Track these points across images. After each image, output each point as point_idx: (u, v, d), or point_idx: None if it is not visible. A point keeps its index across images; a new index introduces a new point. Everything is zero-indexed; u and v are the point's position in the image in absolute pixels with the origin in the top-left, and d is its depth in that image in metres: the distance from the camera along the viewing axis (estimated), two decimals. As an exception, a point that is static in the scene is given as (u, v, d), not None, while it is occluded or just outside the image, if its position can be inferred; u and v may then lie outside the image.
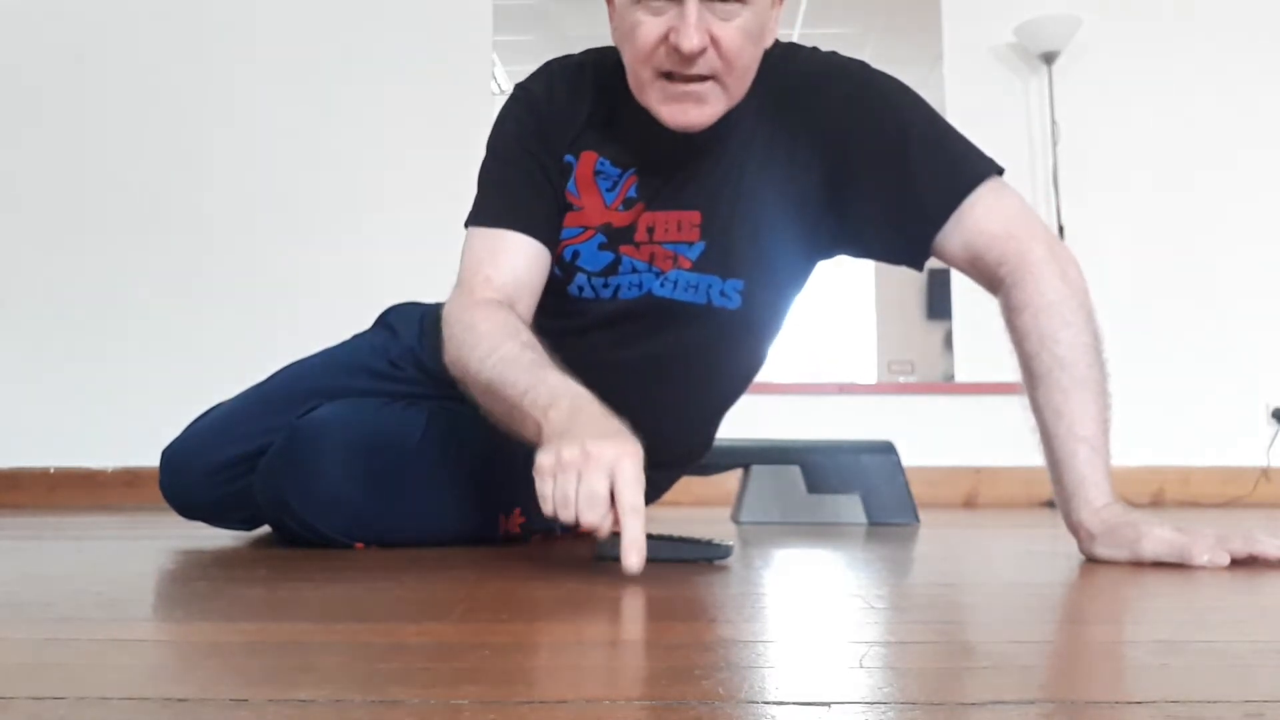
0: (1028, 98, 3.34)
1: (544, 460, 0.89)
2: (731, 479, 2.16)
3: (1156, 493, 3.04)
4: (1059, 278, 1.13)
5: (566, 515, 0.87)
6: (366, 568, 1.02)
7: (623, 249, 1.21)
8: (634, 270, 1.22)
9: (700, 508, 2.65)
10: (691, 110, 1.10)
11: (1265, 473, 3.14)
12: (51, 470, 3.10)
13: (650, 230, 1.21)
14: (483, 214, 1.22)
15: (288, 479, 1.24)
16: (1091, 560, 1.06)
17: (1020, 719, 0.40)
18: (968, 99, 3.29)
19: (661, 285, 1.22)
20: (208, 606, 0.76)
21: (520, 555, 1.15)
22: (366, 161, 3.24)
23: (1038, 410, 1.12)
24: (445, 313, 1.16)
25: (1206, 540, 0.99)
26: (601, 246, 1.22)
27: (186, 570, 1.05)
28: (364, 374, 1.40)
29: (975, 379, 3.21)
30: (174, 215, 3.23)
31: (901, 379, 3.48)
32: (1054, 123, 3.25)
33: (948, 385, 3.26)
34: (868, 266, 3.93)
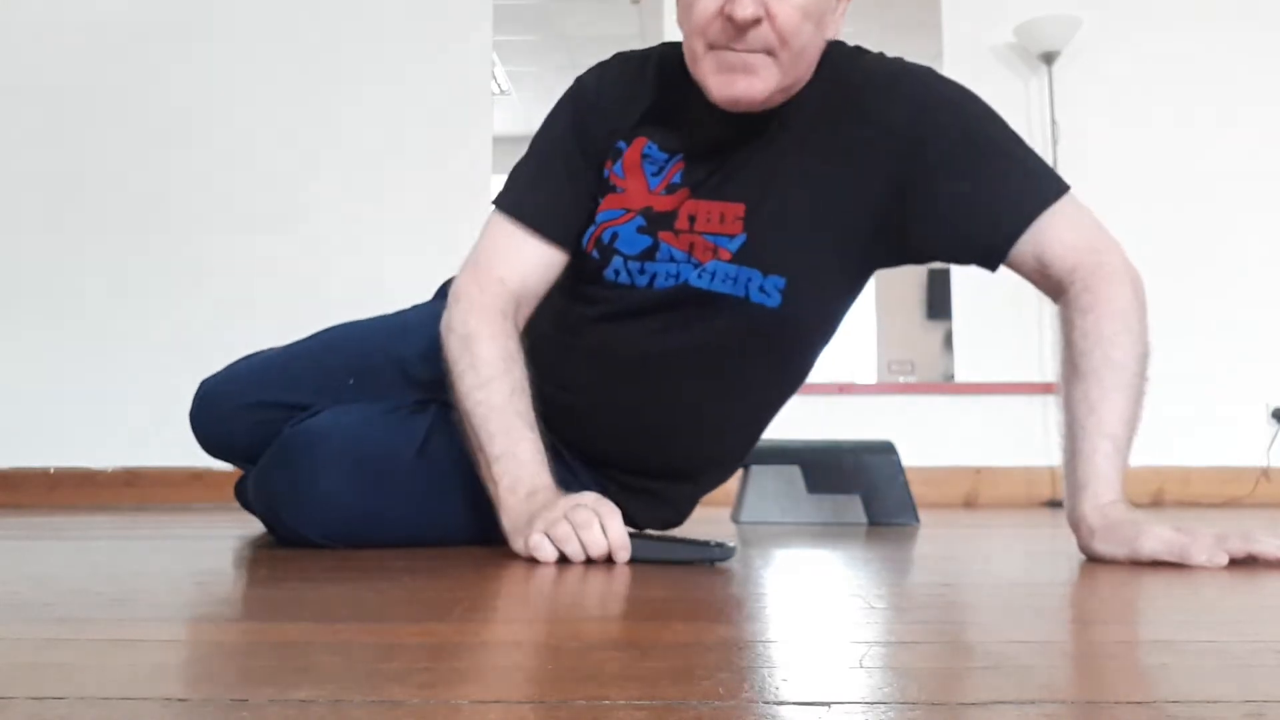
0: (1028, 98, 3.34)
1: (535, 540, 1.02)
2: (731, 479, 2.16)
3: (1156, 493, 3.04)
4: (1130, 290, 1.14)
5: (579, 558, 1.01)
6: (366, 568, 1.02)
7: (662, 235, 1.20)
8: (672, 259, 1.20)
9: (700, 508, 2.65)
10: (740, 81, 1.09)
11: (1265, 473, 3.14)
12: (51, 470, 3.10)
13: (692, 219, 1.19)
14: (513, 203, 1.23)
15: (281, 490, 1.24)
16: (1090, 557, 1.06)
17: (1020, 719, 0.40)
18: (968, 99, 3.30)
19: (699, 276, 1.19)
20: (208, 606, 0.76)
21: (520, 556, 1.15)
22: (367, 161, 3.24)
23: (1073, 403, 1.12)
24: (453, 297, 1.21)
25: (1205, 540, 0.99)
26: (640, 230, 1.20)
27: (186, 570, 1.05)
28: (409, 344, 1.38)
29: (975, 379, 3.21)
30: (174, 216, 3.23)
31: (901, 379, 3.48)
32: (1054, 123, 3.25)
33: (948, 385, 3.26)
34: (868, 266, 3.93)
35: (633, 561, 1.01)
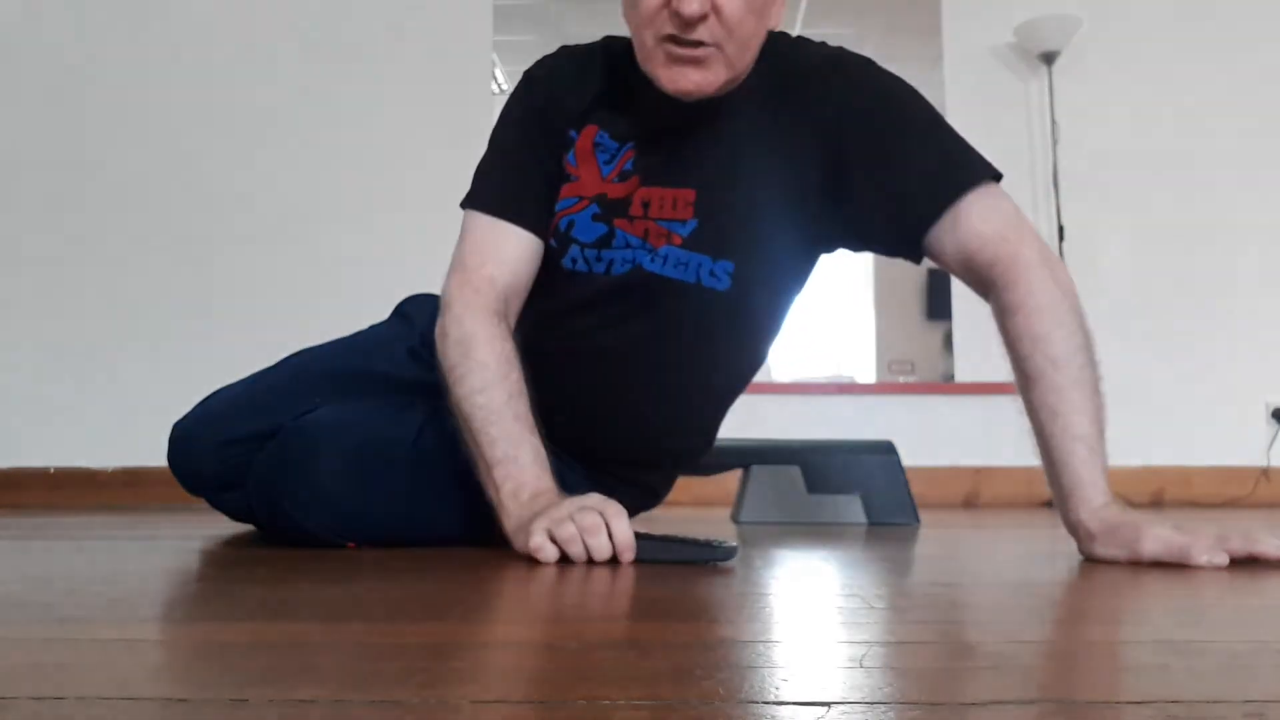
0: (1028, 98, 3.34)
1: (537, 541, 1.01)
2: (731, 479, 2.16)
3: (1156, 493, 3.04)
4: (1050, 280, 1.13)
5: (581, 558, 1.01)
6: (366, 568, 1.02)
7: (617, 222, 1.22)
8: (627, 245, 1.22)
9: (700, 508, 2.65)
10: (692, 74, 1.12)
11: (1265, 473, 3.14)
12: (51, 470, 3.10)
13: (646, 205, 1.21)
14: (486, 199, 1.24)
15: (281, 480, 1.24)
16: (1091, 560, 1.06)
17: (1020, 719, 0.40)
18: (968, 99, 3.30)
19: (652, 260, 1.22)
20: (208, 606, 0.76)
21: (520, 555, 1.15)
22: (367, 162, 3.24)
23: (1033, 411, 1.12)
24: (445, 303, 1.20)
25: (1205, 540, 0.99)
26: (595, 217, 1.23)
27: (186, 570, 1.05)
28: (380, 358, 1.42)
29: (975, 379, 3.21)
30: (174, 216, 3.23)
31: (901, 379, 3.48)
32: (1054, 123, 3.25)
33: (948, 385, 3.26)
34: (867, 266, 3.93)
35: (637, 562, 1.01)
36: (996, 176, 1.18)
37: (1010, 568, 1.15)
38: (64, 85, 3.29)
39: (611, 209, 1.22)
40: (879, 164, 1.18)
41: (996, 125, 3.32)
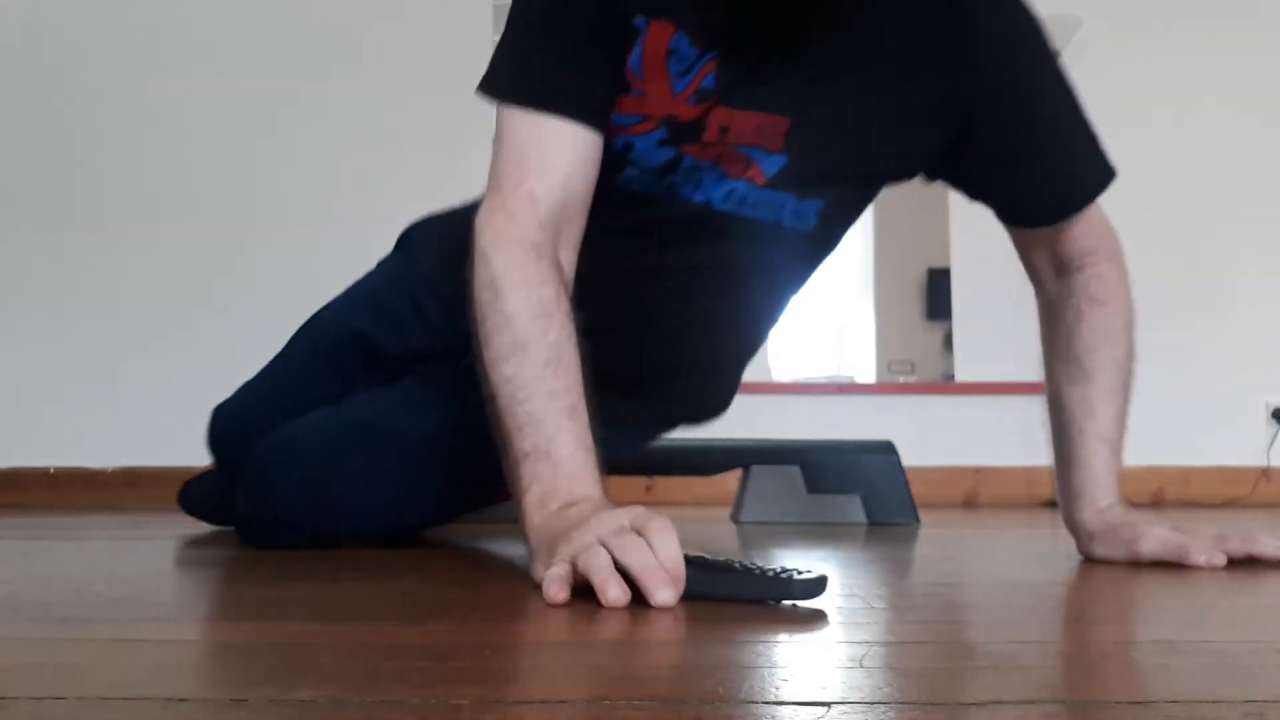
0: (1028, 98, 3.34)
1: (552, 573, 0.74)
2: (731, 479, 2.16)
3: (1156, 493, 3.04)
4: (1129, 290, 1.14)
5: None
6: (366, 568, 1.02)
7: (686, 148, 1.02)
8: (695, 170, 1.04)
9: (700, 508, 2.65)
10: None
11: (1265, 473, 3.14)
12: (51, 470, 3.10)
13: (724, 131, 1.01)
14: (524, 89, 0.95)
15: (262, 499, 1.23)
16: (1089, 559, 1.06)
17: (1020, 719, 0.40)
18: (968, 99, 3.30)
19: (725, 199, 1.05)
20: (208, 606, 0.76)
21: (521, 555, 1.15)
22: (367, 161, 3.24)
23: (1070, 402, 1.08)
24: (477, 233, 0.94)
25: (1204, 540, 0.99)
26: (661, 143, 1.02)
27: (186, 570, 1.05)
28: (385, 326, 1.33)
29: (975, 379, 3.21)
30: (173, 214, 3.23)
31: (901, 379, 3.48)
32: (1054, 123, 3.25)
33: (948, 385, 3.26)
34: (867, 266, 3.94)
35: (687, 598, 0.72)
36: (1113, 177, 1.15)
37: (1010, 568, 1.15)
38: (64, 83, 3.29)
39: (681, 133, 1.01)
40: (1000, 155, 1.07)
41: (996, 125, 3.32)
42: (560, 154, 0.94)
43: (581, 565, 0.73)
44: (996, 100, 1.05)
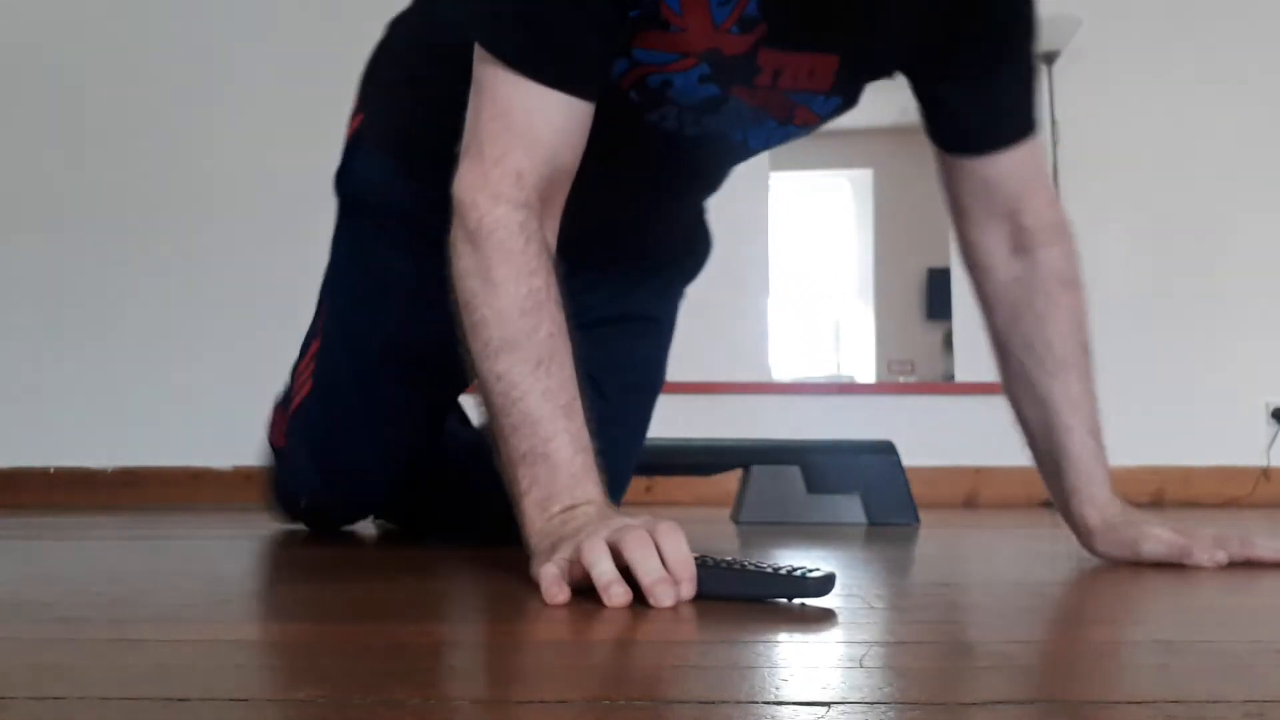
0: (1028, 98, 3.34)
1: (548, 570, 0.74)
2: (731, 479, 2.16)
3: (1156, 493, 3.04)
4: (1076, 256, 1.08)
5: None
6: (367, 568, 1.02)
7: (735, 90, 0.97)
8: (739, 117, 1.00)
9: (700, 507, 2.65)
10: None
11: (1265, 473, 3.14)
12: (51, 470, 3.10)
13: (777, 74, 0.96)
14: (515, 47, 0.87)
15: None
16: (1091, 555, 1.06)
17: (1020, 719, 0.40)
18: (968, 99, 3.30)
19: (761, 139, 1.05)
20: (207, 606, 0.76)
21: (521, 555, 1.15)
22: (366, 161, 3.24)
23: (1051, 395, 1.04)
24: (456, 208, 0.88)
25: (1205, 541, 0.99)
26: (704, 79, 0.95)
27: (185, 570, 1.05)
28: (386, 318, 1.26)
29: (975, 379, 3.21)
30: (174, 214, 3.23)
31: (901, 379, 3.48)
32: (1054, 123, 3.25)
33: (948, 385, 3.26)
34: (867, 266, 3.94)
35: (699, 598, 0.73)
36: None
37: (1010, 568, 1.15)
38: (63, 82, 3.29)
39: (729, 71, 0.95)
40: (970, 71, 1.03)
41: (996, 125, 3.32)
42: (549, 127, 0.88)
43: (585, 562, 0.72)
44: (987, 23, 1.01)
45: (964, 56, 1.02)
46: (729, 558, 0.78)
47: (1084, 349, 1.04)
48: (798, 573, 0.74)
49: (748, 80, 0.96)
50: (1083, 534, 1.06)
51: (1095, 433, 1.04)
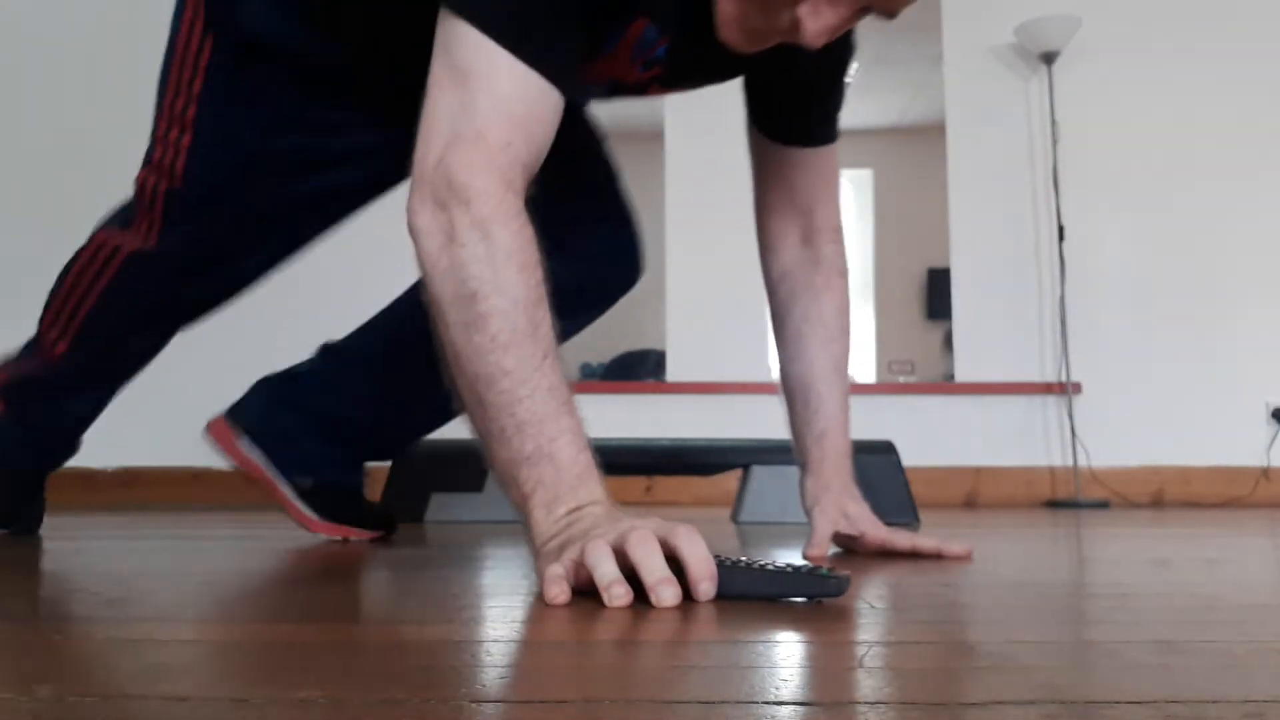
0: (1028, 98, 3.34)
1: (552, 571, 0.74)
2: (731, 479, 2.16)
3: (1156, 493, 3.04)
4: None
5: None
6: (366, 567, 1.02)
7: (620, 97, 1.17)
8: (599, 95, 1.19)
9: (700, 508, 2.65)
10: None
11: (1265, 473, 3.14)
12: (51, 470, 3.10)
13: (654, 92, 1.15)
14: (524, 38, 0.88)
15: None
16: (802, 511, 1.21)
17: (1020, 719, 0.40)
18: (968, 99, 3.29)
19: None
20: (206, 606, 0.76)
21: (520, 554, 1.15)
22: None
23: (825, 364, 1.20)
24: (451, 185, 0.85)
25: (872, 535, 1.20)
26: (599, 93, 1.17)
27: (185, 570, 1.05)
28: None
29: (975, 379, 3.21)
30: (174, 215, 3.23)
31: (901, 379, 3.48)
32: (1054, 123, 3.25)
33: (948, 385, 3.26)
34: (867, 266, 3.94)
35: (720, 598, 0.74)
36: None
37: (1010, 568, 1.15)
38: (62, 81, 3.29)
39: (621, 90, 1.13)
40: (803, 81, 1.18)
41: (996, 125, 3.31)
42: (544, 122, 0.89)
43: (588, 564, 0.72)
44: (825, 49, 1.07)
45: (797, 73, 1.17)
46: (744, 558, 0.78)
47: (847, 330, 1.23)
48: (818, 572, 0.74)
49: (632, 93, 1.14)
50: (812, 502, 1.20)
51: (845, 407, 1.22)
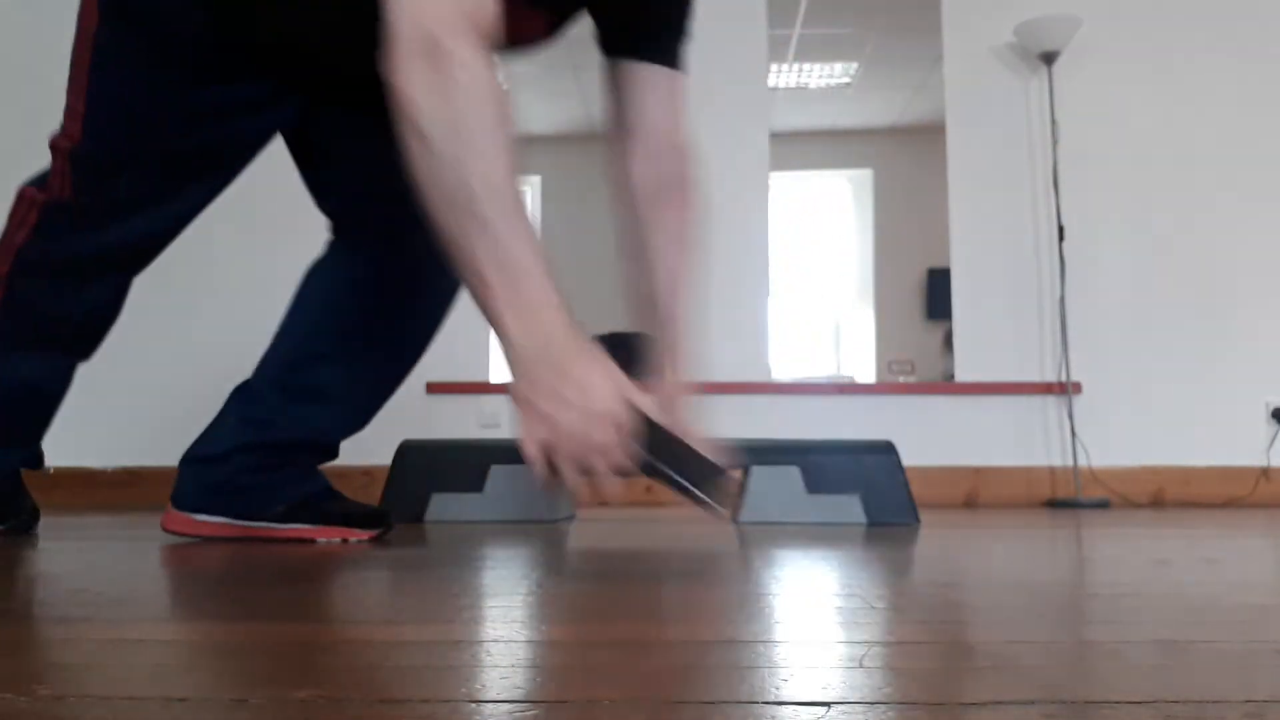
0: (1028, 98, 3.34)
1: (531, 451, 0.87)
2: (731, 479, 2.16)
3: (1156, 493, 3.04)
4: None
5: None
6: (366, 568, 1.02)
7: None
8: None
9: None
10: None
11: (1265, 473, 3.14)
12: (51, 470, 3.10)
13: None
14: None
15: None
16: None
17: (1020, 719, 0.40)
18: (968, 99, 3.29)
19: None
20: (208, 606, 0.76)
21: (520, 555, 1.15)
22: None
23: (677, 268, 1.25)
24: (430, 34, 0.90)
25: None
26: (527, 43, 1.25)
27: (186, 570, 1.05)
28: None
29: (975, 379, 3.21)
30: (174, 215, 3.23)
31: (901, 379, 3.48)
32: (1054, 123, 3.25)
33: (948, 385, 3.26)
34: (867, 266, 3.94)
35: (647, 473, 0.91)
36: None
37: (1010, 568, 1.15)
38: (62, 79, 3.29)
39: (527, 41, 1.23)
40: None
41: (996, 125, 3.32)
42: None
43: (557, 453, 0.86)
44: None
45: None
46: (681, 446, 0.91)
47: (694, 242, 1.27)
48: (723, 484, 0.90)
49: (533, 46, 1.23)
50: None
51: (687, 316, 1.26)
